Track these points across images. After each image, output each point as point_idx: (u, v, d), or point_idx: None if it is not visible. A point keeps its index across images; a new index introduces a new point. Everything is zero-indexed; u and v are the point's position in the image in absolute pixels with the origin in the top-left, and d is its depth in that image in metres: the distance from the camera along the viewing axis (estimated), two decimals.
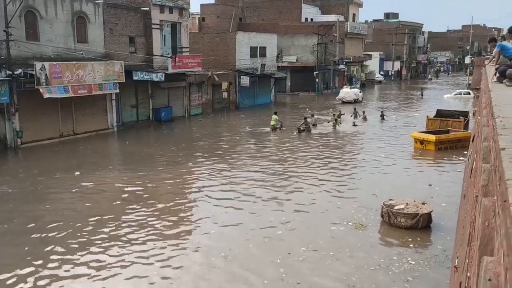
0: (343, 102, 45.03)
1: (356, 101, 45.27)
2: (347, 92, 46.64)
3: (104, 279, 9.80)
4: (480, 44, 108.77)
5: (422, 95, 52.59)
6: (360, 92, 47.78)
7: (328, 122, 30.55)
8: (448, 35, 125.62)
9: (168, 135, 28.55)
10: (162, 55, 31.29)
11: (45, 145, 23.67)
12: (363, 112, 34.01)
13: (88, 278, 9.82)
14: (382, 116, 33.32)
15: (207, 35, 42.31)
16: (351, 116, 32.75)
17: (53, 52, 24.24)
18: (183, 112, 34.47)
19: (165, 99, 32.99)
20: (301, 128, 28.04)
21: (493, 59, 11.69)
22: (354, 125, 30.62)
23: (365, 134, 27.90)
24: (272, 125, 29.07)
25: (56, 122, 25.09)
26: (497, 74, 8.86)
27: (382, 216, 12.95)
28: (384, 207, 12.86)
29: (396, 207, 12.79)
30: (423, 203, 13.25)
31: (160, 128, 30.16)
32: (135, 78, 28.54)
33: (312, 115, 31.32)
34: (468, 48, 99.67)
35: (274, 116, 29.76)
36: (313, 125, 29.36)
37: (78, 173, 18.26)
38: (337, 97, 46.68)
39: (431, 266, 10.40)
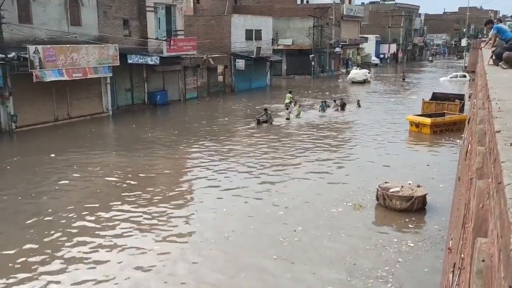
0: (353, 83, 46.60)
1: (365, 81, 46.94)
2: (357, 73, 48.46)
3: (98, 261, 9.87)
4: (476, 26, 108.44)
5: (403, 79, 52.06)
6: (369, 73, 49.65)
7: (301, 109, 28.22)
8: (445, 17, 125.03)
9: (164, 118, 28.43)
10: (156, 38, 30.99)
11: (40, 129, 23.57)
12: (340, 100, 31.01)
13: (86, 260, 9.89)
14: (358, 104, 31.88)
15: (202, 17, 41.94)
16: (319, 108, 29.81)
17: (47, 35, 23.95)
18: (179, 96, 34.31)
19: (160, 82, 32.80)
20: (261, 120, 25.51)
21: (490, 42, 11.67)
22: (323, 112, 28.98)
23: (359, 118, 27.81)
24: (286, 103, 28.50)
25: (50, 106, 24.97)
26: (493, 57, 8.85)
27: (377, 198, 13.02)
28: (379, 189, 12.93)
29: (391, 190, 12.87)
30: (418, 186, 13.34)
31: (156, 112, 30.03)
32: (129, 61, 28.31)
33: (287, 106, 29.48)
34: (464, 30, 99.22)
35: (288, 95, 29.58)
36: (289, 112, 27.47)
37: (53, 155, 18.39)
38: (347, 77, 48.51)
39: (428, 248, 10.51)
